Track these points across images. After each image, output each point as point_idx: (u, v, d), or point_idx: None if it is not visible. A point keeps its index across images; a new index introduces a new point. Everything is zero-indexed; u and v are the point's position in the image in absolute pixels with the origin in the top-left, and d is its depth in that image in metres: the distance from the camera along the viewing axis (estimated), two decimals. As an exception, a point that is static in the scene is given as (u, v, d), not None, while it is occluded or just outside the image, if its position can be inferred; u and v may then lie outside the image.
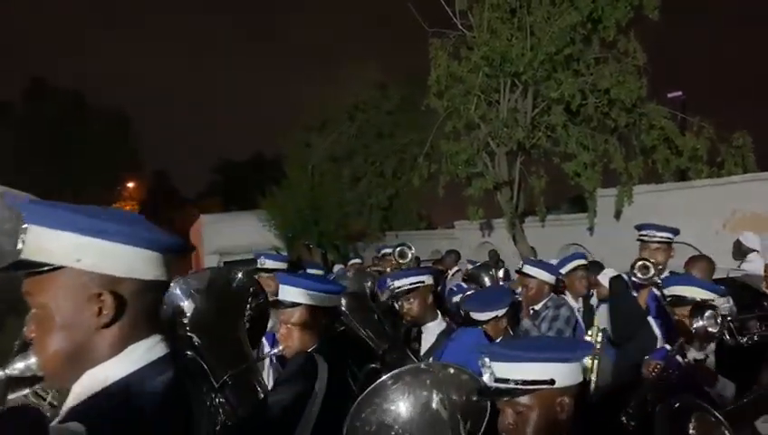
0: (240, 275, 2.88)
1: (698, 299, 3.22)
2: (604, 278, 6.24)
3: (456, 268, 9.05)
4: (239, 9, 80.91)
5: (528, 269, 4.59)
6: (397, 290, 3.47)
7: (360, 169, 19.01)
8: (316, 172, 18.93)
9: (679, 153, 10.93)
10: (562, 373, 1.78)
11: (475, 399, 1.89)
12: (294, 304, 2.66)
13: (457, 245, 13.41)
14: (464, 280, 6.92)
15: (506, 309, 3.79)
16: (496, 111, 11.93)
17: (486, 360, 1.84)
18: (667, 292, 3.55)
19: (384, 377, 1.93)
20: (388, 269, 7.00)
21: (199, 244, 23.74)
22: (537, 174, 12.23)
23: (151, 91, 62.59)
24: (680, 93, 13.12)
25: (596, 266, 7.35)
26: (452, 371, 1.98)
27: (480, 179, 11.77)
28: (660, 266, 4.34)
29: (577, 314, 4.73)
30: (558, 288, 4.78)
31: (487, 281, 6.48)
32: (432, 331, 3.51)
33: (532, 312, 4.47)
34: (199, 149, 58.37)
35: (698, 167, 10.73)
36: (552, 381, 1.76)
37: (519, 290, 4.78)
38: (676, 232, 4.63)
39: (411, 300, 3.46)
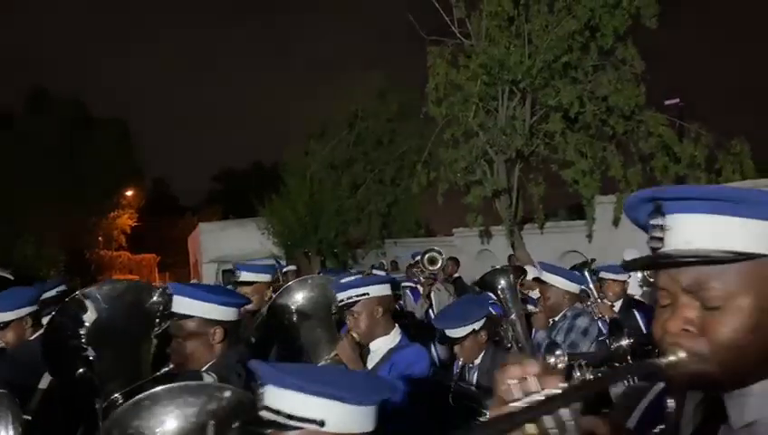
0: (156, 294, 2.75)
1: None
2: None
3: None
4: (239, 20, 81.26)
5: (547, 277, 4.19)
6: (341, 303, 3.08)
7: (359, 177, 19.03)
8: (315, 180, 18.93)
9: (677, 160, 10.97)
10: (337, 416, 1.38)
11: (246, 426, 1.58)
12: (185, 317, 2.44)
13: (456, 252, 13.40)
14: (474, 285, 6.71)
15: (483, 321, 3.48)
16: (495, 119, 11.96)
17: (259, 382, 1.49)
18: None
19: (142, 395, 1.71)
20: (422, 278, 6.82)
21: (198, 252, 23.74)
22: (535, 181, 12.26)
23: (152, 100, 62.86)
24: (678, 100, 13.16)
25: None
26: (228, 393, 1.74)
27: (479, 187, 11.79)
28: None
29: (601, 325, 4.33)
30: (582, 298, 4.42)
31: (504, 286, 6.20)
32: (381, 348, 3.04)
33: (551, 323, 4.14)
34: (199, 158, 58.59)
35: (696, 174, 10.76)
36: (322, 423, 1.37)
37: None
38: None
39: (356, 314, 3.03)
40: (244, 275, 4.58)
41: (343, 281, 3.28)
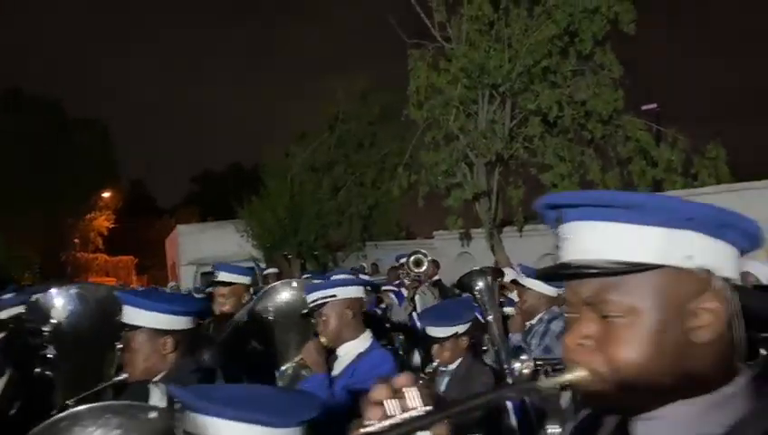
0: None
1: None
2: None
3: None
4: (219, 22, 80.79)
5: (525, 280, 4.11)
6: (309, 306, 3.01)
7: (339, 180, 18.99)
8: (295, 182, 18.86)
9: (654, 164, 11.12)
10: None
11: None
12: (134, 328, 2.38)
13: (436, 254, 13.41)
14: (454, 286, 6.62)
15: (468, 326, 3.38)
16: (475, 123, 12.03)
17: None
18: None
19: (62, 414, 1.66)
20: (406, 280, 6.66)
21: (176, 255, 23.53)
22: (515, 184, 12.34)
23: (130, 101, 62.18)
24: (655, 105, 13.35)
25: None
26: (153, 414, 1.69)
27: (459, 190, 11.84)
28: None
29: None
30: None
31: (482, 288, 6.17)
32: (349, 352, 2.94)
33: (528, 327, 4.05)
34: (178, 159, 58.03)
35: (673, 178, 10.92)
36: None
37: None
38: None
39: (323, 317, 2.93)
40: (222, 275, 4.45)
41: (312, 283, 3.21)
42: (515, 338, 4.01)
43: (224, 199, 21.06)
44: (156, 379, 2.32)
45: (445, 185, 12.04)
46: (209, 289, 5.17)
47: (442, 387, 3.33)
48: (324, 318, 2.91)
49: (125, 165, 38.52)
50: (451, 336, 3.35)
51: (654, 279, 0.81)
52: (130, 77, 70.91)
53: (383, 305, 6.32)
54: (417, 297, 6.55)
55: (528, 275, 4.13)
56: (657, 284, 0.82)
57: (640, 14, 11.20)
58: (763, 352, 1.90)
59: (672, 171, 10.90)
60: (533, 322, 4.02)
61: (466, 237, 14.02)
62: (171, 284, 16.55)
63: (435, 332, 3.39)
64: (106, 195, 36.63)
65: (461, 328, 3.36)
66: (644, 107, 12.86)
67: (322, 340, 2.91)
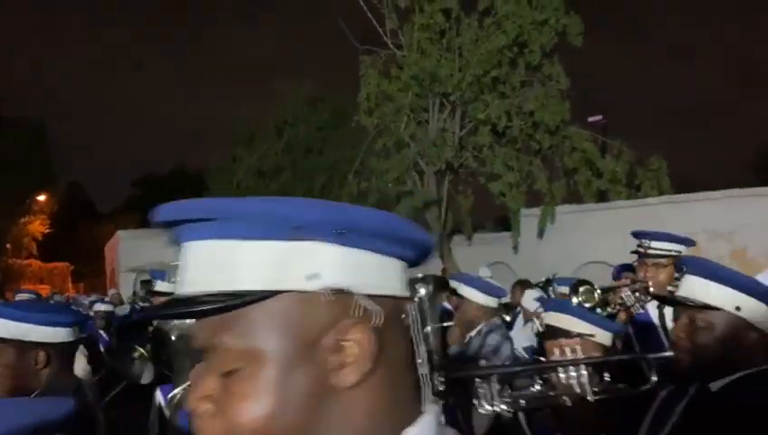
0: None
1: (574, 333, 2.59)
2: (527, 301, 6.27)
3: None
4: (164, 21, 78.98)
5: (463, 290, 3.89)
6: None
7: (287, 186, 18.71)
8: (242, 187, 18.49)
9: (600, 175, 11.35)
10: None
11: None
12: (2, 340, 2.18)
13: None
14: None
15: None
16: (425, 131, 12.03)
17: None
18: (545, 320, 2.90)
19: None
20: None
21: (115, 261, 22.71)
22: (464, 193, 12.42)
23: (69, 101, 60.03)
24: (601, 117, 13.68)
25: (524, 284, 7.45)
26: None
27: (409, 197, 11.81)
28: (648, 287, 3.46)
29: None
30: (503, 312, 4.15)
31: (422, 296, 6.23)
32: None
33: (467, 339, 3.85)
34: (118, 162, 56.27)
35: (617, 188, 11.18)
36: None
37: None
38: (687, 242, 3.66)
39: None
40: (160, 285, 4.19)
41: None
42: (453, 351, 3.84)
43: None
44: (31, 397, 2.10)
45: (395, 192, 11.99)
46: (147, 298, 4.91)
47: None
48: None
49: (63, 167, 37.00)
50: None
51: (273, 311, 0.61)
52: (71, 77, 68.51)
53: None
54: None
55: (469, 285, 3.92)
56: (277, 316, 0.62)
57: (593, 30, 11.47)
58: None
59: (617, 182, 11.16)
60: (472, 334, 3.80)
61: (416, 245, 14.00)
62: (111, 291, 15.91)
63: None
64: (41, 198, 35.13)
65: None
66: (590, 119, 13.17)
67: None
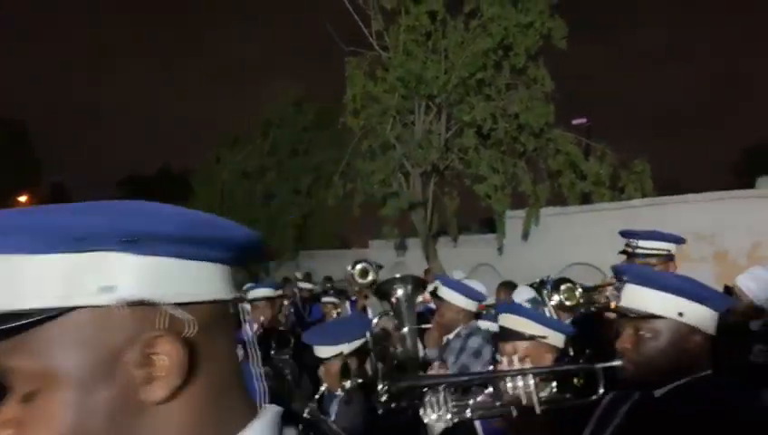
0: None
1: (527, 334, 2.60)
2: (518, 297, 6.29)
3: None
4: (150, 21, 78.40)
5: (443, 292, 3.82)
6: None
7: (273, 187, 18.66)
8: (226, 189, 18.40)
9: (583, 177, 11.43)
10: None
11: None
12: None
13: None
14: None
15: (357, 345, 2.99)
16: (411, 132, 12.05)
17: None
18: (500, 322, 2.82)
19: None
20: (355, 289, 6.31)
21: (99, 262, 22.50)
22: (450, 195, 12.46)
23: (52, 101, 59.36)
24: (585, 120, 13.78)
25: (509, 286, 7.48)
26: None
27: (395, 199, 11.82)
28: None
29: None
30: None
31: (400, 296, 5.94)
32: None
33: (445, 341, 3.77)
34: (102, 162, 55.72)
35: (601, 191, 11.26)
36: None
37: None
38: (676, 240, 3.58)
39: None
40: None
41: None
42: (431, 354, 3.77)
43: (151, 205, 20.31)
44: None
45: (381, 194, 12.00)
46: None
47: (332, 415, 2.97)
48: None
49: (46, 168, 36.59)
50: (334, 356, 2.96)
51: (68, 328, 0.57)
52: (56, 77, 67.81)
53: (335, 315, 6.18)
54: (368, 308, 6.34)
55: (448, 287, 3.84)
56: (72, 334, 0.57)
57: (576, 32, 11.56)
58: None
59: (600, 184, 11.24)
60: (451, 337, 3.74)
61: (402, 247, 14.03)
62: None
63: (318, 351, 3.01)
64: (22, 199, 34.70)
65: (346, 348, 2.96)
66: (574, 121, 13.26)
67: None
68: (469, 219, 15.00)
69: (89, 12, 77.29)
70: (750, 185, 9.63)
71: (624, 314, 1.78)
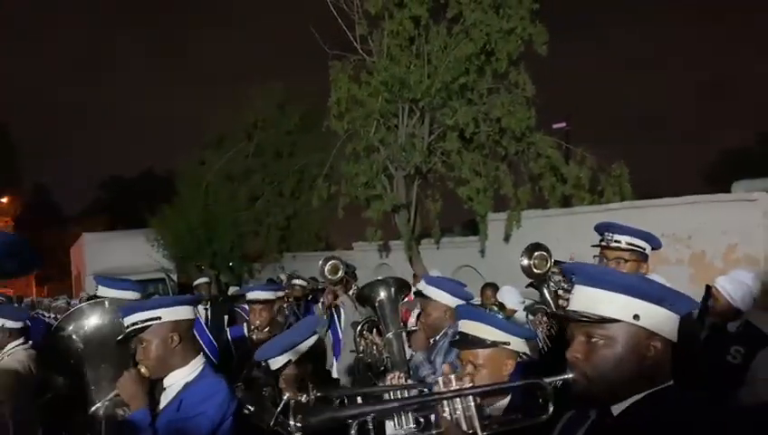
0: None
1: (489, 341, 2.47)
2: (508, 298, 6.45)
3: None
4: (133, 21, 77.82)
5: (429, 290, 3.70)
6: (128, 329, 2.59)
7: (257, 189, 18.67)
8: (210, 190, 18.37)
9: (564, 181, 11.58)
10: None
11: None
12: None
13: (355, 265, 13.44)
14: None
15: (304, 349, 2.83)
16: (395, 136, 12.15)
17: None
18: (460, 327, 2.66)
19: None
20: (329, 288, 6.22)
21: (81, 264, 22.34)
22: (433, 198, 12.57)
23: (34, 101, 58.72)
24: (564, 124, 13.94)
25: (492, 287, 7.65)
26: None
27: (379, 202, 11.91)
28: None
29: None
30: None
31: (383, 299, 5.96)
32: (177, 382, 2.60)
33: (432, 343, 3.65)
34: (85, 164, 55.27)
35: (581, 194, 11.41)
36: None
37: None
38: (651, 240, 3.50)
39: (144, 343, 2.57)
40: (102, 290, 3.91)
41: (131, 303, 2.90)
42: (418, 357, 3.65)
43: (134, 207, 20.22)
44: None
45: (365, 196, 12.08)
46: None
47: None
48: (145, 344, 2.58)
49: (29, 169, 36.24)
50: (285, 365, 2.81)
51: None
52: (38, 77, 67.09)
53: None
54: (340, 308, 6.10)
55: (434, 285, 3.75)
56: None
57: (559, 39, 11.72)
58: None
59: (580, 188, 11.39)
60: (437, 337, 3.62)
61: (385, 249, 14.12)
62: (82, 294, 15.67)
63: (270, 365, 2.85)
64: (4, 200, 34.32)
65: (293, 354, 2.81)
66: (554, 126, 13.42)
67: (142, 370, 2.58)
68: (452, 222, 15.12)
69: (74, 12, 76.62)
70: (726, 189, 9.81)
71: (574, 319, 1.59)
